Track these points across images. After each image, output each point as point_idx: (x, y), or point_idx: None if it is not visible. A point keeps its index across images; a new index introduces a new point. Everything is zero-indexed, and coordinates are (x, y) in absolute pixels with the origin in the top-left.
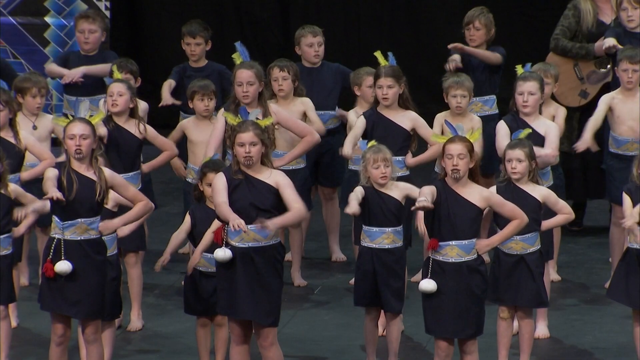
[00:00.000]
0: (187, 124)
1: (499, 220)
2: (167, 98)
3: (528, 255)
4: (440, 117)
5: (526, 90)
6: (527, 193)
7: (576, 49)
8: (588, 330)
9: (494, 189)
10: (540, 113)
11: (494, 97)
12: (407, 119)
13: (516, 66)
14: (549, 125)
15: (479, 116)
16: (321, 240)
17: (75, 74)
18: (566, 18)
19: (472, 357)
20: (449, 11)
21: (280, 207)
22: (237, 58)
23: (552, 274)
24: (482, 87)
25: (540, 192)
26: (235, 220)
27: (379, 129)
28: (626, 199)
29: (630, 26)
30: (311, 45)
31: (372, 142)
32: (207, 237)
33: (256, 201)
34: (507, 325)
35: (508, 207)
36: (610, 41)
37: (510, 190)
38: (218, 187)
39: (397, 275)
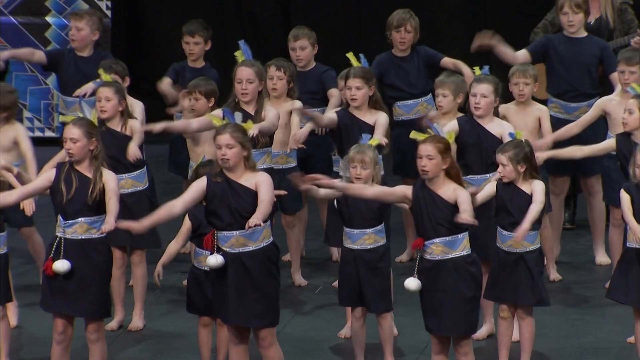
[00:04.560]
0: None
1: (499, 217)
2: (170, 93)
3: (528, 254)
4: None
5: (479, 92)
6: (524, 192)
7: None
8: (588, 330)
9: (493, 185)
10: (495, 115)
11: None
12: (376, 119)
13: (474, 67)
14: (505, 126)
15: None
16: (321, 240)
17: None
18: (552, 12)
19: (466, 358)
20: (449, 11)
21: None
22: (240, 56)
23: (552, 273)
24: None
25: (532, 186)
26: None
27: (353, 129)
28: (624, 196)
29: (570, 30)
30: (293, 49)
31: (376, 140)
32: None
33: (238, 207)
34: (508, 324)
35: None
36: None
37: (508, 188)
38: (191, 187)
39: (382, 274)
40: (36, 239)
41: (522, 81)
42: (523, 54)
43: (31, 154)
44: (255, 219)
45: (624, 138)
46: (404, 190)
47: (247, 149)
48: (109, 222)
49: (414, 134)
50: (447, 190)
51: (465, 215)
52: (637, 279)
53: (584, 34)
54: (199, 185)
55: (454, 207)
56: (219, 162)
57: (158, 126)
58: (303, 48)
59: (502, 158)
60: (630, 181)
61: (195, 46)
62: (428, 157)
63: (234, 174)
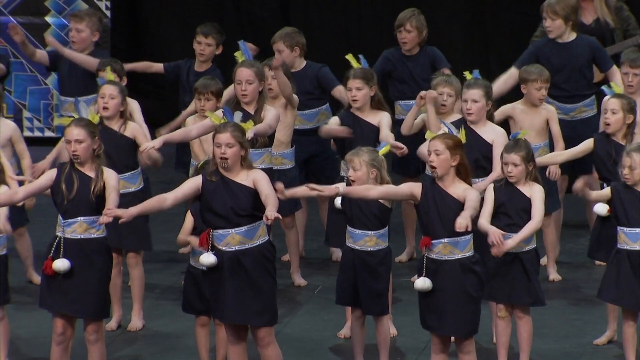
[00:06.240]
0: (191, 120)
1: (496, 219)
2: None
3: (523, 254)
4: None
5: (470, 98)
6: (522, 194)
7: None
8: (587, 330)
9: (490, 189)
10: (490, 119)
11: None
12: (379, 119)
13: (464, 72)
14: (498, 131)
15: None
16: (321, 240)
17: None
18: None
19: (469, 357)
20: (449, 11)
21: (261, 208)
22: (240, 56)
23: (552, 273)
24: None
25: (531, 190)
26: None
27: (356, 130)
28: (604, 192)
29: (550, 36)
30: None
31: (387, 147)
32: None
33: (235, 206)
34: (506, 324)
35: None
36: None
37: (507, 191)
38: (186, 183)
39: (380, 277)
40: (26, 239)
41: (544, 86)
42: (511, 73)
43: (28, 157)
44: (271, 211)
45: (603, 138)
46: (411, 187)
47: (246, 148)
48: (106, 214)
49: (428, 134)
50: (458, 189)
51: (461, 219)
52: (628, 280)
53: (573, 36)
54: (193, 182)
55: (462, 206)
56: (216, 161)
57: (157, 142)
58: (280, 51)
59: (515, 158)
60: (618, 181)
61: (206, 47)
62: (435, 153)
63: (230, 172)
